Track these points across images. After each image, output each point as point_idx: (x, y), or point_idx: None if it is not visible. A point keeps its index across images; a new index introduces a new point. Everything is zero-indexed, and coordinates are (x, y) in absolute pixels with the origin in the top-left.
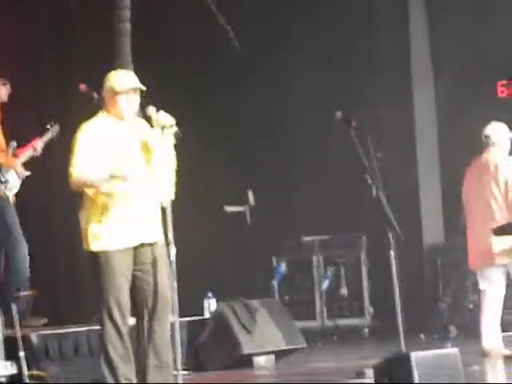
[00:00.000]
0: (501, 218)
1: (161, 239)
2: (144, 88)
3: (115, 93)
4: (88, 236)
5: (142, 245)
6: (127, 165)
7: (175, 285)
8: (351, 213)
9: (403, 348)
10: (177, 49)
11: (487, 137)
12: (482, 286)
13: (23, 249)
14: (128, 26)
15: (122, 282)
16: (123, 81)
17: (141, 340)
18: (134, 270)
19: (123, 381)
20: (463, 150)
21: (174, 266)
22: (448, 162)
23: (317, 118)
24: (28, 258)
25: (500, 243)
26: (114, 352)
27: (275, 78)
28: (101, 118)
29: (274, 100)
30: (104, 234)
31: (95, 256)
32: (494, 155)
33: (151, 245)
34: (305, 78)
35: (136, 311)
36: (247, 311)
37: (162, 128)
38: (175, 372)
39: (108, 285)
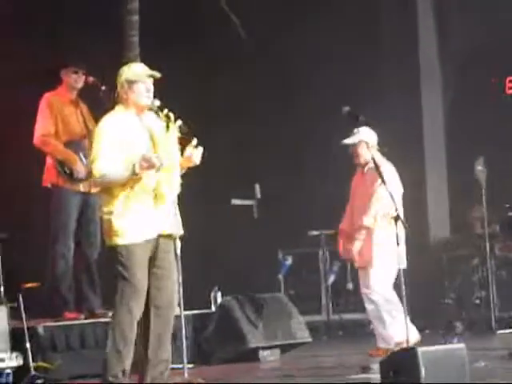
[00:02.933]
0: None
1: (176, 232)
2: (159, 75)
3: (132, 82)
4: (111, 230)
5: (160, 237)
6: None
7: (180, 279)
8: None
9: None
10: (183, 41)
11: None
12: None
13: None
14: (137, 18)
15: (142, 273)
16: (138, 69)
17: (144, 333)
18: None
19: (120, 375)
20: (470, 144)
21: (180, 260)
22: (455, 156)
23: (323, 114)
24: None
25: None
26: (123, 344)
27: (282, 72)
28: (119, 111)
29: (280, 94)
30: (127, 227)
31: (116, 249)
32: None
33: (166, 238)
34: (311, 73)
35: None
36: (253, 305)
37: (167, 122)
38: (180, 365)
39: (128, 278)
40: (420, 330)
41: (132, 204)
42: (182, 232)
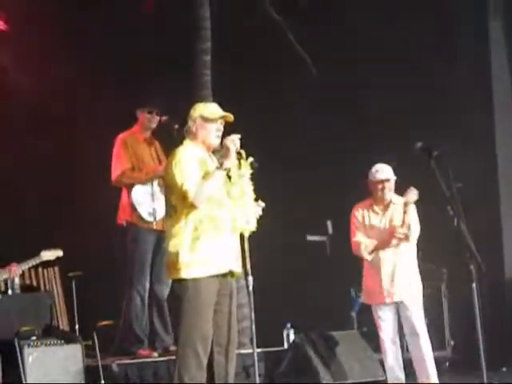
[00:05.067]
0: None
1: (240, 269)
2: (232, 118)
3: (205, 119)
4: (178, 263)
5: (226, 274)
6: (217, 192)
7: (253, 316)
8: (431, 244)
9: (485, 381)
10: (256, 80)
11: None
12: None
13: None
14: (209, 58)
15: (209, 311)
16: (213, 109)
17: (208, 369)
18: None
19: None
20: None
21: (252, 297)
22: None
23: (395, 148)
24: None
25: None
26: None
27: (352, 107)
28: (190, 145)
29: (351, 130)
30: (195, 261)
31: (182, 284)
32: None
33: (233, 275)
34: (383, 106)
35: None
36: (326, 343)
37: (239, 159)
38: None
39: (195, 315)
40: (497, 368)
41: (201, 237)
42: (239, 270)
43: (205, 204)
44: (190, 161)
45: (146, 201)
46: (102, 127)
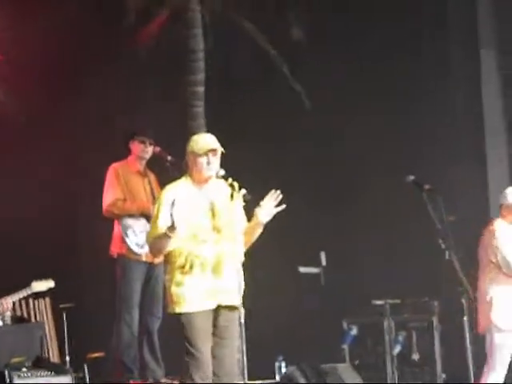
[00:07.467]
0: None
1: (237, 303)
2: (222, 150)
3: (195, 155)
4: (170, 297)
5: (220, 307)
6: (202, 229)
7: (244, 347)
8: (423, 277)
9: None
10: (250, 111)
11: None
12: None
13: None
14: (201, 89)
15: (204, 342)
16: (201, 143)
17: None
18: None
19: None
20: None
21: (244, 329)
22: None
23: (387, 182)
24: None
25: None
26: None
27: (342, 141)
28: (182, 181)
29: (343, 163)
30: (185, 296)
31: (177, 318)
32: None
33: (226, 308)
34: (372, 140)
35: None
36: (318, 375)
37: (231, 191)
38: None
39: (189, 345)
40: None
41: (190, 273)
42: (239, 302)
43: (191, 241)
44: (166, 206)
45: (136, 233)
46: (98, 161)
